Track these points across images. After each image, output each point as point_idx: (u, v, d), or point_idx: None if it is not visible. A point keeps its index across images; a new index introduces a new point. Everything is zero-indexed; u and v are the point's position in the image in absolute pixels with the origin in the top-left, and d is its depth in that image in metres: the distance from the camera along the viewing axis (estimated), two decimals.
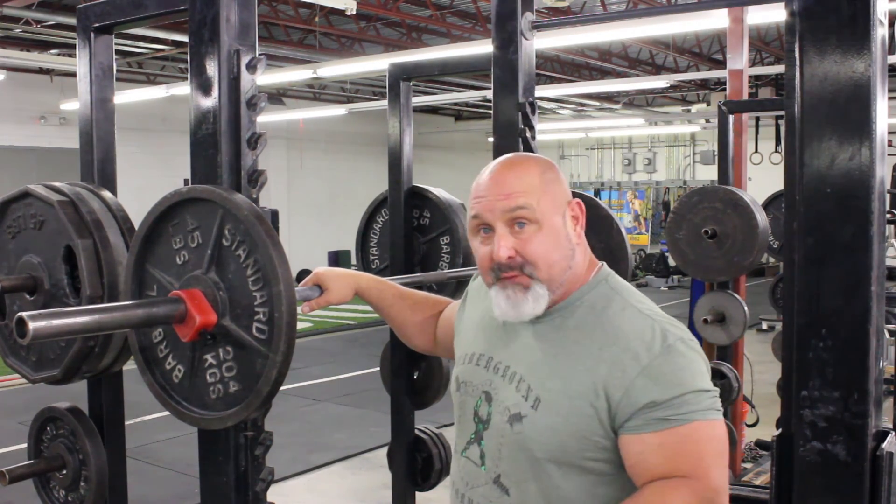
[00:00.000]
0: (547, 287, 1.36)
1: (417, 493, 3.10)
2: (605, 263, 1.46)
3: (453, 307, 1.73)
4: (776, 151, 11.29)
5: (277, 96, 14.73)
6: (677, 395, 1.25)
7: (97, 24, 1.91)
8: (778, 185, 3.55)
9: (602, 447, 1.30)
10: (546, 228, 1.35)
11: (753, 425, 5.00)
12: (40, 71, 12.17)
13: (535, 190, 1.36)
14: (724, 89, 6.16)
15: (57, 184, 1.84)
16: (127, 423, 2.03)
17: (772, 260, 6.27)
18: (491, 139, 2.51)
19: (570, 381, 1.32)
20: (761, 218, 3.92)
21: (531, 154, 1.44)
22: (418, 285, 2.07)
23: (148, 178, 11.38)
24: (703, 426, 1.25)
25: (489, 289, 1.41)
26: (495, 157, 2.42)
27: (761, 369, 5.66)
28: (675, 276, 15.72)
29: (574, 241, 1.39)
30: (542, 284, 1.35)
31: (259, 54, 1.58)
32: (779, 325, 6.34)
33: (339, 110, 14.14)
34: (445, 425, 2.74)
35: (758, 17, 5.81)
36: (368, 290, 1.76)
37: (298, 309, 1.42)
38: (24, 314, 1.24)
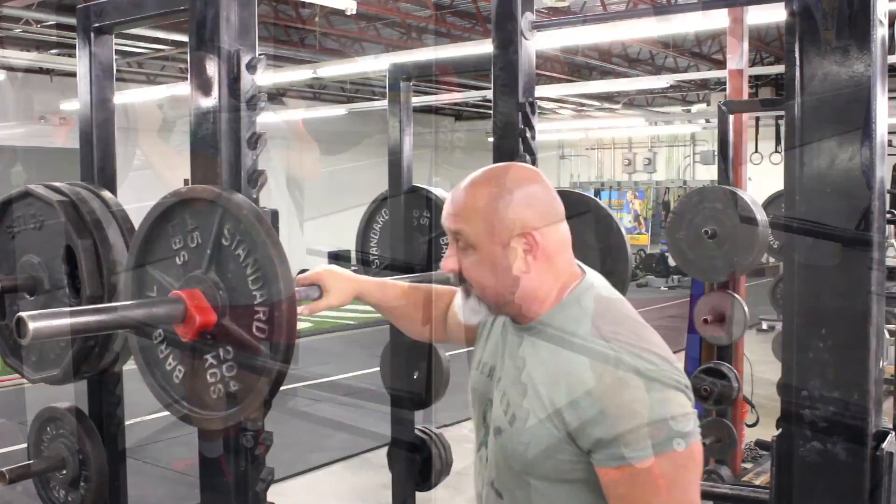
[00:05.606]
0: (486, 307, 1.40)
1: (417, 493, 3.10)
2: (586, 277, 1.41)
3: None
4: (776, 151, 11.31)
5: (277, 96, 14.72)
6: (629, 430, 1.22)
7: (97, 24, 1.90)
8: (778, 185, 3.53)
9: (575, 464, 1.30)
10: (482, 255, 1.36)
11: (753, 425, 4.99)
12: (40, 71, 12.16)
13: (476, 218, 1.35)
14: (724, 89, 6.16)
15: (57, 184, 1.84)
16: (127, 423, 2.03)
17: (772, 260, 6.26)
18: (491, 139, 2.51)
19: (538, 401, 1.32)
20: (761, 218, 3.92)
21: (499, 176, 1.38)
22: None
23: (148, 178, 11.38)
24: (661, 461, 1.22)
25: None
26: (495, 157, 2.44)
27: (761, 369, 5.64)
28: (675, 276, 15.69)
29: (521, 271, 1.36)
30: (479, 301, 1.40)
31: (259, 54, 1.58)
32: (779, 325, 6.32)
33: (339, 110, 14.13)
34: (445, 425, 2.74)
35: (758, 17, 5.80)
36: (370, 294, 1.72)
37: (298, 309, 1.43)
38: (24, 314, 1.24)
